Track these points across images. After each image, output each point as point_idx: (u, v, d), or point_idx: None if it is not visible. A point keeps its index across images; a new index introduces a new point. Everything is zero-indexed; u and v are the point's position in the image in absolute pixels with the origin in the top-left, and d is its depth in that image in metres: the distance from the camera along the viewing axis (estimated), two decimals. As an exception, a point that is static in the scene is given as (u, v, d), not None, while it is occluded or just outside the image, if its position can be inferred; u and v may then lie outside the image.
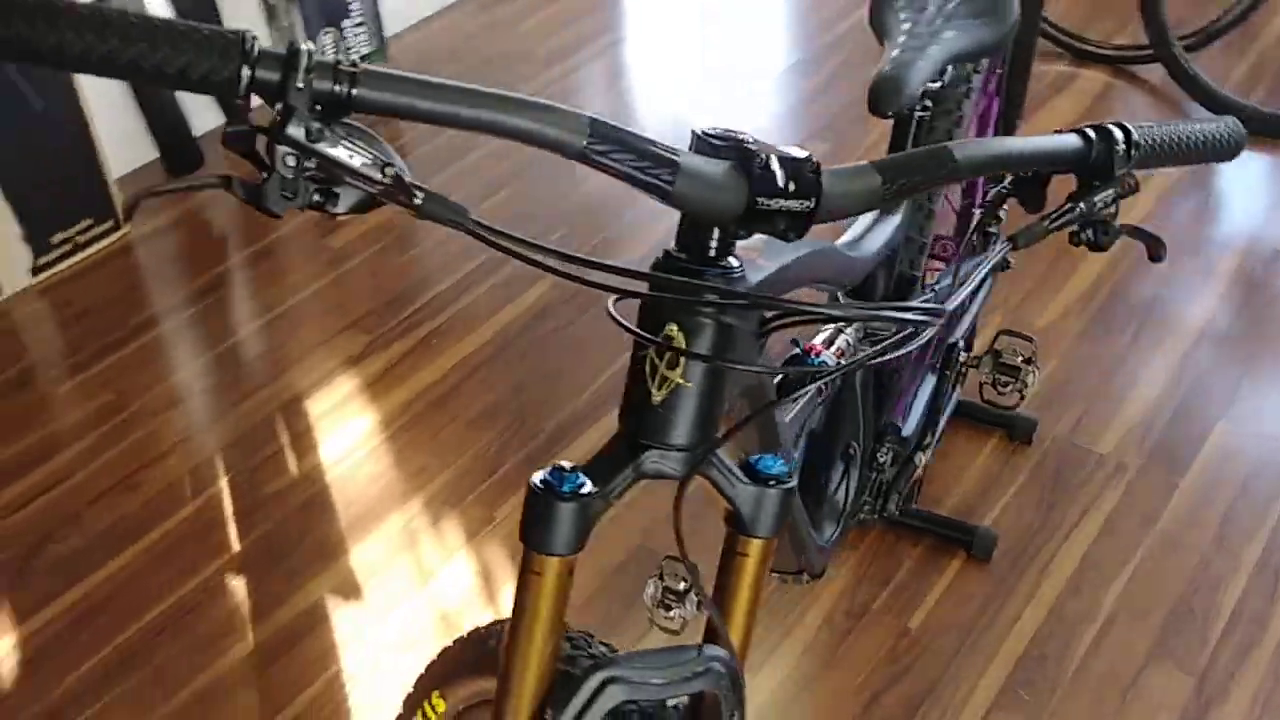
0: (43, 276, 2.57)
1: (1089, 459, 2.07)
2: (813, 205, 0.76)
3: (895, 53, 1.21)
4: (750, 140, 0.76)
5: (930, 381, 1.59)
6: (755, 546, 0.90)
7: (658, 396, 0.83)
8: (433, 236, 2.70)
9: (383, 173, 0.67)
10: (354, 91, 0.67)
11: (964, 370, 1.57)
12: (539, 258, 0.73)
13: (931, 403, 1.53)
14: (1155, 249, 0.92)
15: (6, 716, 1.75)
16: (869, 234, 1.25)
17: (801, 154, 0.76)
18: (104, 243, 2.64)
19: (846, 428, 1.42)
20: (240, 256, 2.70)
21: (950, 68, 1.29)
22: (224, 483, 2.10)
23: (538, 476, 0.84)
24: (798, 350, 1.20)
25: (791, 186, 0.75)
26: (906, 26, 1.28)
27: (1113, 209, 0.88)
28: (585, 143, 0.71)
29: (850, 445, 1.43)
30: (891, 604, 1.85)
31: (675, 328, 0.81)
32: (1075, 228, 0.89)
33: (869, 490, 1.50)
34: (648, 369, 0.84)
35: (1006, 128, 1.86)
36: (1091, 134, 0.86)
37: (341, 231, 2.72)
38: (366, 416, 2.22)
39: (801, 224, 0.77)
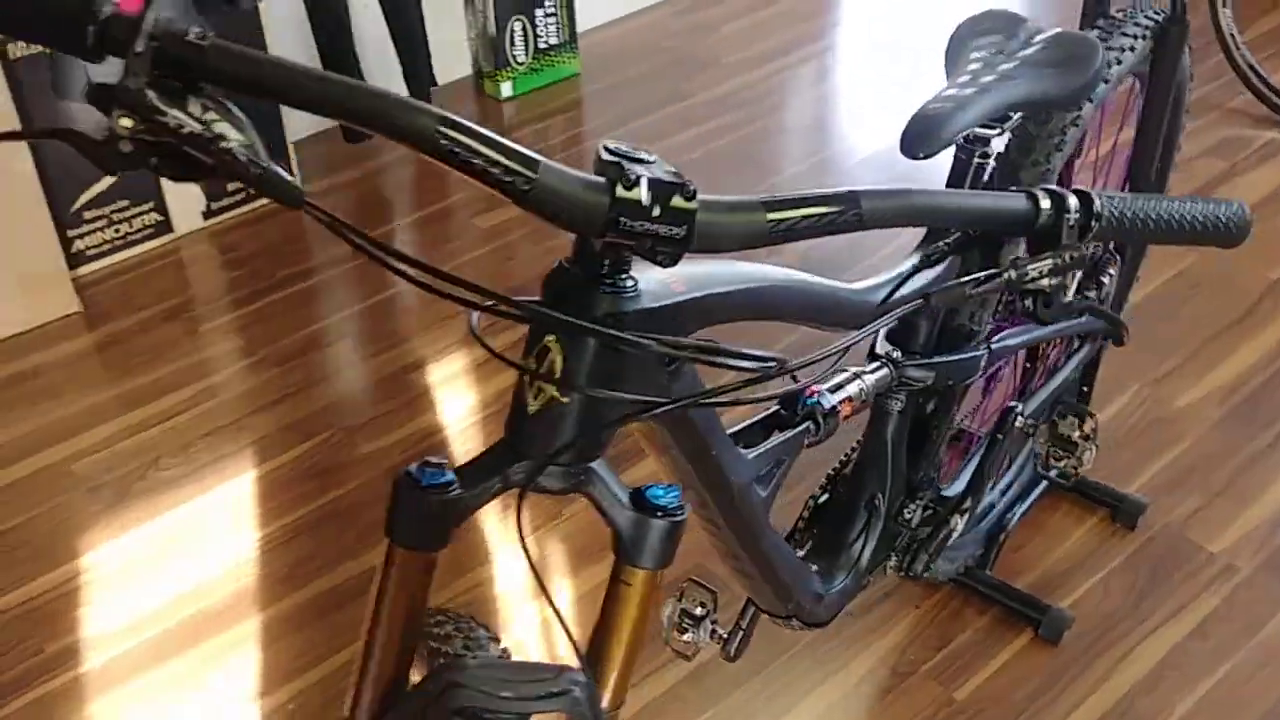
0: (213, 221, 2.73)
1: (1196, 555, 1.91)
2: (683, 233, 0.73)
3: (944, 92, 1.15)
4: (644, 160, 0.74)
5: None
6: (638, 577, 0.87)
7: (533, 407, 0.81)
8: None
9: (215, 145, 0.69)
10: (201, 62, 0.69)
11: (1017, 436, 1.47)
12: (375, 251, 0.73)
13: (979, 466, 1.44)
14: (1114, 331, 0.84)
15: (62, 640, 1.87)
16: (908, 277, 1.19)
17: (678, 179, 0.73)
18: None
19: (872, 477, 1.36)
20: (402, 222, 2.80)
21: (1013, 115, 1.21)
22: (324, 437, 2.18)
23: (407, 469, 0.83)
24: (794, 388, 1.15)
25: (657, 211, 0.72)
26: (973, 67, 1.21)
27: (1056, 280, 0.80)
28: (435, 137, 0.71)
29: (875, 496, 1.37)
30: (941, 670, 1.76)
31: (554, 340, 0.80)
32: (1012, 295, 0.82)
33: (895, 546, 1.42)
34: (527, 378, 0.82)
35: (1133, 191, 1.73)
36: (1041, 197, 0.79)
37: (502, 209, 2.78)
38: (467, 397, 2.27)
39: (672, 250, 0.74)
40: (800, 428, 1.13)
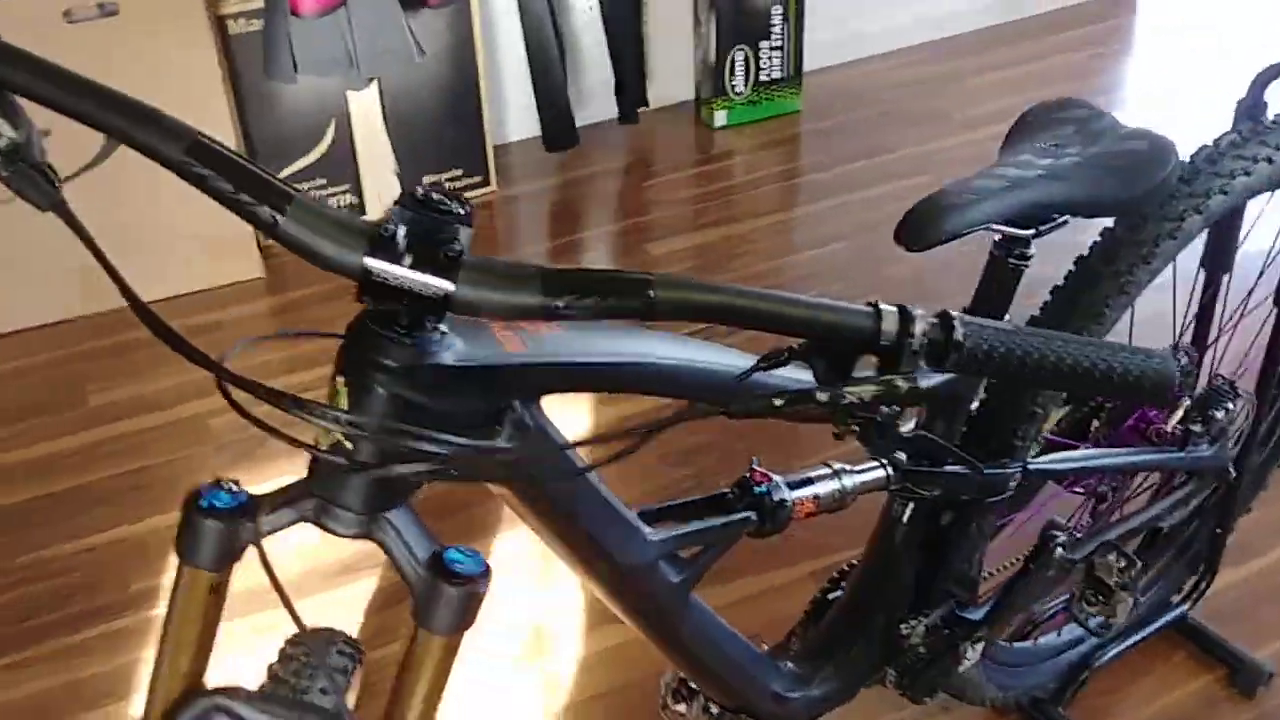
0: (404, 210, 2.82)
1: (1318, 743, 1.66)
2: (440, 294, 0.68)
3: (970, 181, 1.03)
4: (444, 209, 0.69)
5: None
6: (433, 642, 0.82)
7: (324, 443, 0.78)
8: (750, 269, 2.66)
9: None
10: None
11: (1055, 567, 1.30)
12: (116, 276, 0.71)
13: (1005, 594, 1.29)
14: (988, 492, 0.72)
15: (150, 581, 1.97)
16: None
17: (444, 235, 0.68)
18: (469, 195, 2.86)
19: (870, 582, 1.24)
20: (587, 234, 2.81)
21: (1057, 217, 1.06)
22: (437, 435, 2.21)
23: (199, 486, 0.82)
24: (747, 473, 1.07)
25: (408, 261, 0.67)
26: (1021, 157, 1.09)
27: (890, 409, 0.69)
28: (182, 156, 0.68)
29: (872, 603, 1.25)
30: (979, 807, 1.61)
31: (342, 382, 0.76)
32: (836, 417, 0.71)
33: (894, 661, 1.30)
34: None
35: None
36: (886, 314, 0.69)
37: (669, 241, 2.75)
38: (577, 421, 2.24)
39: (432, 310, 0.69)
40: (739, 515, 1.05)
